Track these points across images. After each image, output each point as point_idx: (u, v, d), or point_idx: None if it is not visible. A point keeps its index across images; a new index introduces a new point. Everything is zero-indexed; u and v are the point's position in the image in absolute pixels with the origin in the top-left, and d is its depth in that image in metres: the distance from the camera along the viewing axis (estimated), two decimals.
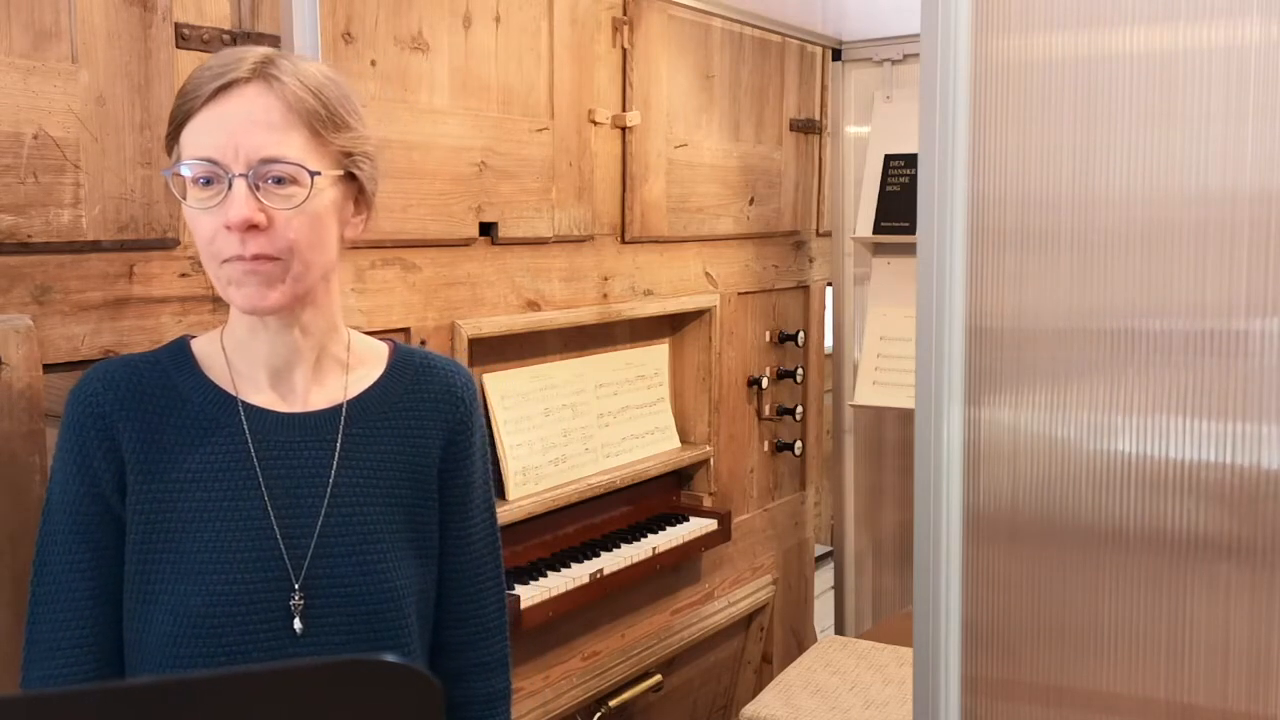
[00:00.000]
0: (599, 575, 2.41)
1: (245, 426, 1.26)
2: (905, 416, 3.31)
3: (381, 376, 1.35)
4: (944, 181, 1.43)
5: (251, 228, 1.17)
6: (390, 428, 1.33)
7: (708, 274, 2.91)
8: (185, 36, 1.66)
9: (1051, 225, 1.41)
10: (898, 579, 3.61)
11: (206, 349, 1.31)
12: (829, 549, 3.70)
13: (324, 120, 1.22)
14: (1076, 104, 1.38)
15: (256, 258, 1.18)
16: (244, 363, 1.29)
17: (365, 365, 1.35)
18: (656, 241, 2.71)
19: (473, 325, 2.18)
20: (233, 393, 1.27)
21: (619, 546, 2.54)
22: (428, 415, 1.36)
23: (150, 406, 1.25)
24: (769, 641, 3.25)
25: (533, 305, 2.36)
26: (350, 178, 1.27)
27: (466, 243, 2.19)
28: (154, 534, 1.22)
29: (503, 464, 2.34)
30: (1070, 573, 1.43)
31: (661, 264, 2.74)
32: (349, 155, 1.26)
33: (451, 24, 2.11)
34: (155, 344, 1.62)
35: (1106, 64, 1.36)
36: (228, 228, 1.17)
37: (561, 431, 2.51)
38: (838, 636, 3.32)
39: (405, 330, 2.06)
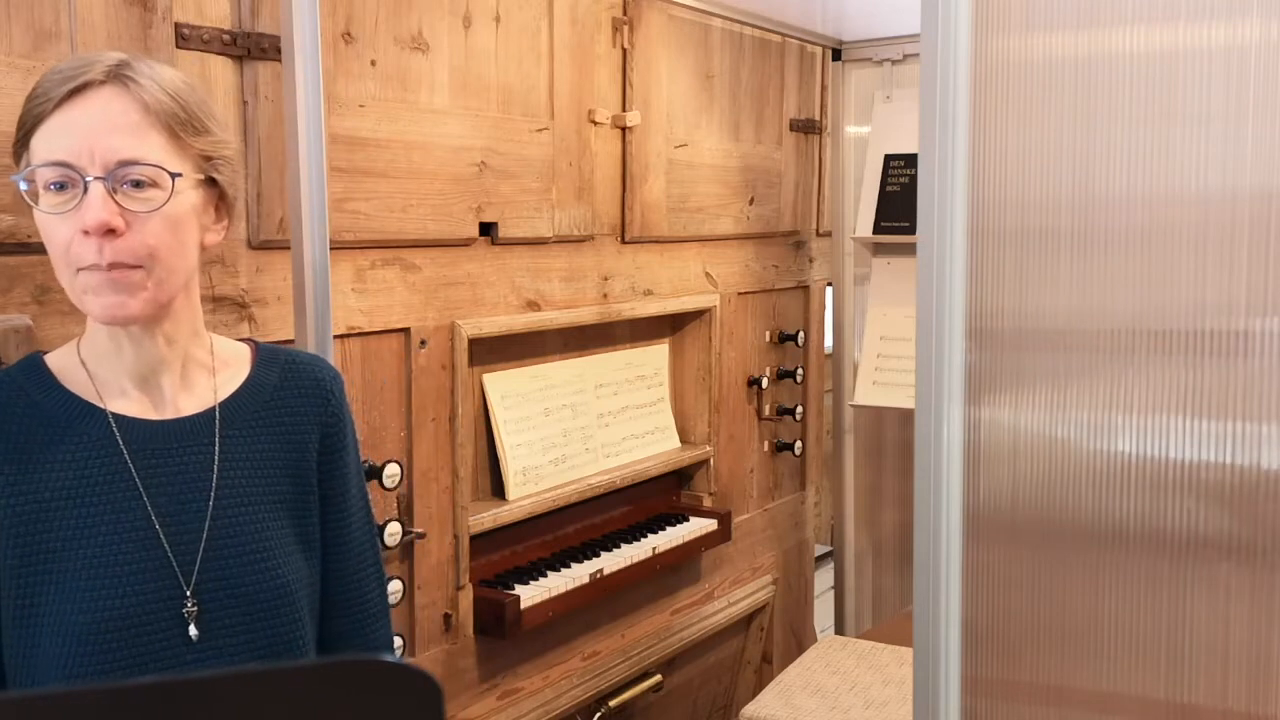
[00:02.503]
0: (599, 575, 2.41)
1: (118, 437, 1.22)
2: (905, 416, 3.31)
3: (249, 377, 1.33)
4: (944, 181, 1.43)
5: (109, 232, 1.13)
6: (265, 426, 1.31)
7: (708, 274, 2.91)
8: (185, 36, 1.66)
9: (1051, 225, 1.41)
10: (898, 579, 3.61)
11: (63, 363, 1.26)
12: (829, 549, 3.70)
13: (183, 122, 1.20)
14: (1076, 104, 1.38)
15: (114, 266, 1.14)
16: (107, 372, 1.25)
17: (230, 367, 1.33)
18: (656, 241, 2.71)
19: (473, 325, 2.18)
20: (99, 404, 1.23)
21: (619, 546, 2.54)
22: (300, 411, 1.34)
23: (12, 427, 1.20)
24: (769, 641, 3.25)
25: (533, 305, 2.36)
26: (211, 183, 1.24)
27: (466, 243, 2.19)
28: (30, 555, 1.18)
29: (503, 464, 2.34)
30: (1070, 573, 1.43)
31: (661, 264, 2.74)
32: (209, 159, 1.23)
33: (451, 24, 2.11)
34: None
35: (1106, 64, 1.36)
36: (85, 233, 1.13)
37: (561, 431, 2.51)
38: (838, 636, 3.32)
39: (405, 330, 2.06)
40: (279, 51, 1.70)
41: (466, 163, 2.15)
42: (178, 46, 1.65)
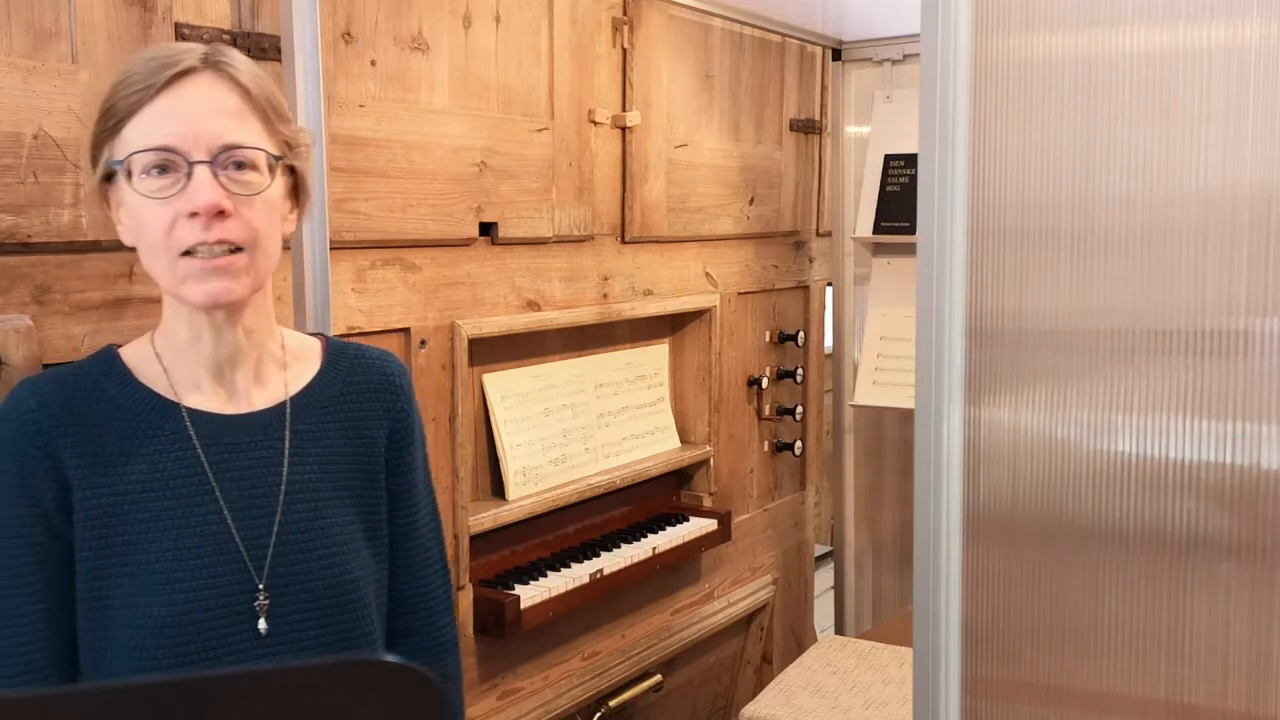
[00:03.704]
0: (599, 575, 2.41)
1: (191, 431, 1.23)
2: (905, 416, 3.31)
3: (320, 371, 1.34)
4: (944, 181, 1.43)
5: (218, 214, 1.15)
6: (335, 421, 1.32)
7: (708, 274, 2.91)
8: (185, 36, 1.66)
9: (1051, 225, 1.41)
10: (898, 579, 3.61)
11: (137, 356, 1.27)
12: (829, 549, 3.70)
13: (274, 109, 1.22)
14: (1076, 104, 1.38)
15: (221, 242, 1.16)
16: (182, 366, 1.26)
17: (301, 361, 1.34)
18: (656, 241, 2.71)
19: (473, 325, 2.18)
20: (173, 398, 1.24)
21: (619, 546, 2.54)
22: (369, 406, 1.35)
23: (88, 420, 1.21)
24: (769, 641, 3.25)
25: (533, 305, 2.36)
26: (290, 172, 1.26)
27: (466, 243, 2.19)
28: (106, 549, 1.19)
29: (503, 464, 2.34)
30: (1070, 573, 1.43)
31: (661, 264, 2.74)
32: (292, 147, 1.25)
33: (451, 24, 2.11)
34: None
35: (1106, 64, 1.36)
36: (193, 214, 1.15)
37: (561, 431, 2.51)
38: (838, 636, 3.32)
39: (405, 330, 2.06)
40: (279, 51, 1.71)
41: (466, 163, 2.15)
42: None
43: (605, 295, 2.57)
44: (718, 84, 2.89)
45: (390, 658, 0.75)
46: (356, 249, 1.96)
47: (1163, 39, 1.33)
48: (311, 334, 1.41)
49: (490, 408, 2.34)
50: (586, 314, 2.50)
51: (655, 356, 2.86)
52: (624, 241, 2.61)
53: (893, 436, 3.57)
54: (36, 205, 1.50)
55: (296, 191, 1.29)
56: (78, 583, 1.20)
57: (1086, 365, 1.40)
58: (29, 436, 1.19)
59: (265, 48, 1.75)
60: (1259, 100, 1.27)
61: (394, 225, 2.02)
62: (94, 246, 1.57)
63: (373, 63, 1.96)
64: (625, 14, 2.55)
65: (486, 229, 2.23)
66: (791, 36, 3.16)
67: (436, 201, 2.10)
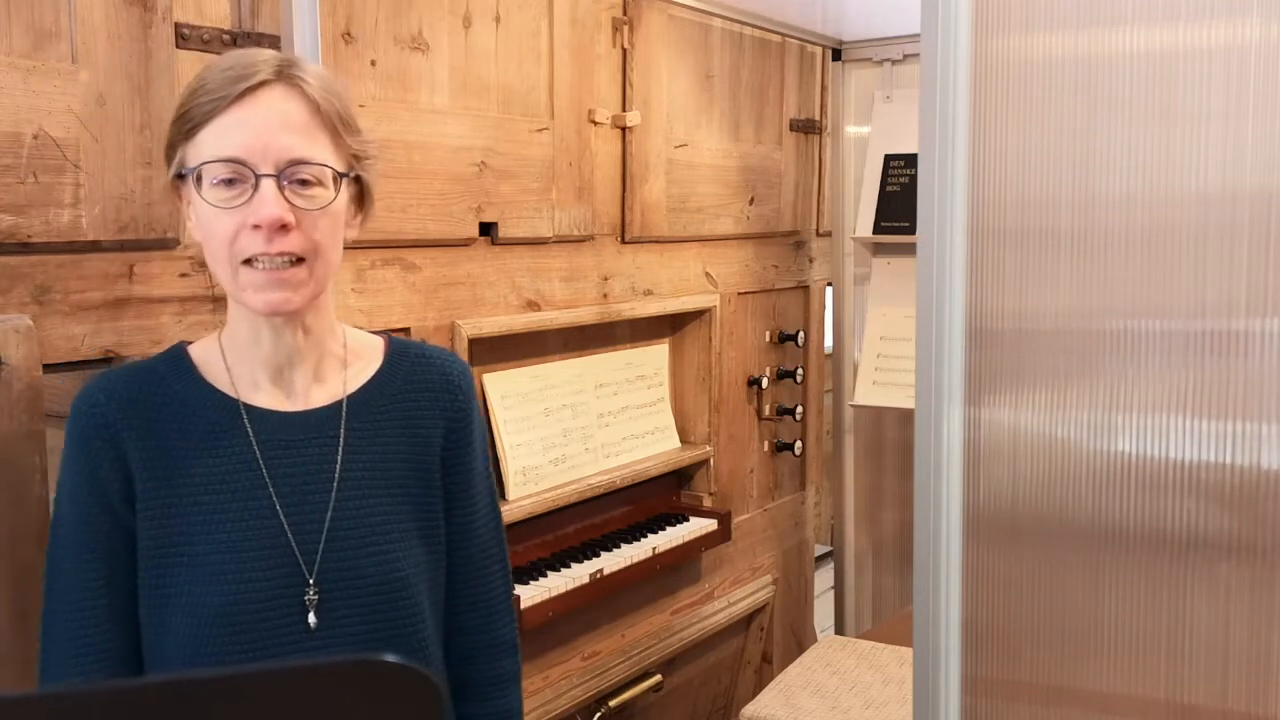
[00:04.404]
0: (599, 575, 2.41)
1: (249, 428, 1.27)
2: (905, 416, 3.31)
3: (379, 370, 1.36)
4: (944, 181, 1.43)
5: (281, 227, 1.18)
6: (392, 420, 1.34)
7: (708, 274, 2.91)
8: (185, 36, 1.66)
9: (1051, 225, 1.41)
10: (898, 579, 3.61)
11: (204, 354, 1.31)
12: (829, 549, 3.70)
13: (344, 122, 1.25)
14: (1076, 104, 1.38)
15: (282, 254, 1.19)
16: (244, 365, 1.30)
17: (362, 360, 1.36)
18: (656, 241, 2.71)
19: (473, 325, 2.18)
20: (234, 396, 1.28)
21: (619, 546, 2.54)
22: (427, 405, 1.37)
23: (153, 415, 1.25)
24: (769, 641, 3.25)
25: (533, 305, 2.36)
26: (356, 180, 1.29)
27: (466, 243, 2.19)
28: (166, 540, 1.23)
29: (503, 464, 2.34)
30: (1070, 573, 1.43)
31: (661, 264, 2.74)
32: (359, 159, 1.28)
33: (451, 24, 2.11)
34: (156, 344, 1.62)
35: (1106, 64, 1.36)
36: (256, 226, 1.18)
37: (561, 431, 2.51)
38: (838, 636, 3.32)
39: (405, 330, 2.06)
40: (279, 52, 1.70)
41: (466, 163, 2.15)
42: (178, 46, 1.65)
43: (605, 295, 2.57)
44: (718, 84, 2.89)
45: (390, 658, 0.75)
46: (357, 249, 1.96)
47: (1163, 39, 1.33)
48: (376, 333, 1.42)
49: (490, 408, 2.34)
50: (586, 314, 2.50)
51: (655, 356, 2.86)
52: (624, 241, 2.61)
53: (893, 436, 3.57)
54: (36, 205, 1.50)
55: (362, 197, 1.31)
56: (139, 572, 1.24)
57: (1086, 365, 1.40)
58: (97, 429, 1.24)
59: (265, 48, 1.75)
60: (1259, 100, 1.28)
61: (394, 225, 2.02)
62: (94, 246, 1.57)
63: (373, 63, 1.96)
64: (625, 14, 2.55)
65: (486, 229, 2.23)
66: (791, 36, 3.16)
67: (436, 201, 2.10)
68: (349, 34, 1.92)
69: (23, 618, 1.44)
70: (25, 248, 1.49)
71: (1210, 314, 1.32)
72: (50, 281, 1.53)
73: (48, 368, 1.51)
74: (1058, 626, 1.44)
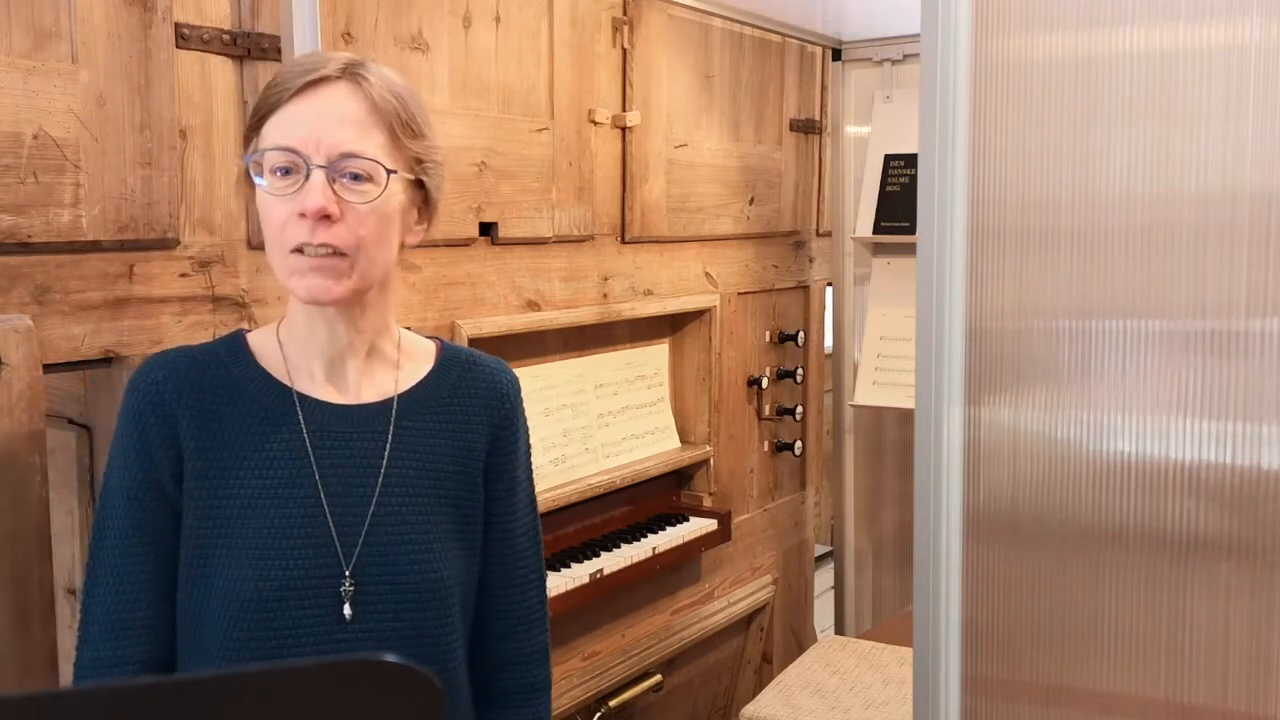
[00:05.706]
0: (599, 575, 2.41)
1: (300, 416, 1.29)
2: (905, 416, 3.31)
3: (430, 373, 1.38)
4: (944, 181, 1.43)
5: (324, 218, 1.20)
6: (439, 423, 1.36)
7: (708, 274, 2.91)
8: (185, 36, 1.66)
9: (1051, 225, 1.41)
10: (898, 579, 3.61)
11: (262, 342, 1.34)
12: (829, 549, 3.70)
13: (404, 124, 1.26)
14: (1076, 104, 1.38)
15: (324, 245, 1.21)
16: (299, 355, 1.32)
17: (414, 361, 1.39)
18: (656, 241, 2.71)
19: (473, 325, 2.18)
20: (288, 384, 1.30)
21: (619, 546, 2.54)
22: (475, 411, 1.39)
23: (208, 397, 1.27)
24: (769, 641, 3.25)
25: (533, 305, 2.36)
26: (419, 185, 1.30)
27: (466, 243, 2.19)
28: (209, 521, 1.25)
29: None
30: (1070, 573, 1.43)
31: (661, 264, 2.74)
32: (420, 162, 1.29)
33: (451, 24, 2.11)
34: (156, 344, 1.63)
35: (1106, 64, 1.36)
36: (301, 215, 1.20)
37: (561, 431, 2.51)
38: (838, 636, 3.32)
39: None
40: (279, 51, 1.71)
41: (466, 163, 2.15)
42: (178, 46, 1.65)
43: (605, 295, 2.57)
44: (718, 84, 2.89)
45: (390, 658, 0.75)
46: None
47: (1162, 39, 1.33)
48: (429, 337, 1.44)
49: None
50: (586, 314, 2.50)
51: (655, 356, 2.86)
52: (624, 241, 2.61)
53: (893, 436, 3.57)
54: (36, 205, 1.50)
55: (426, 202, 1.32)
56: (181, 550, 1.26)
57: (1086, 365, 1.40)
58: (152, 406, 1.26)
59: (265, 48, 1.75)
60: (1259, 100, 1.28)
61: None
62: (94, 246, 1.57)
63: None
64: (625, 14, 2.55)
65: (486, 229, 2.23)
66: (791, 36, 3.16)
67: None
68: (349, 34, 1.92)
69: (23, 618, 1.44)
70: (25, 248, 1.49)
71: (1210, 314, 1.32)
72: (50, 281, 1.53)
73: (48, 368, 1.51)
74: (1058, 626, 1.44)
